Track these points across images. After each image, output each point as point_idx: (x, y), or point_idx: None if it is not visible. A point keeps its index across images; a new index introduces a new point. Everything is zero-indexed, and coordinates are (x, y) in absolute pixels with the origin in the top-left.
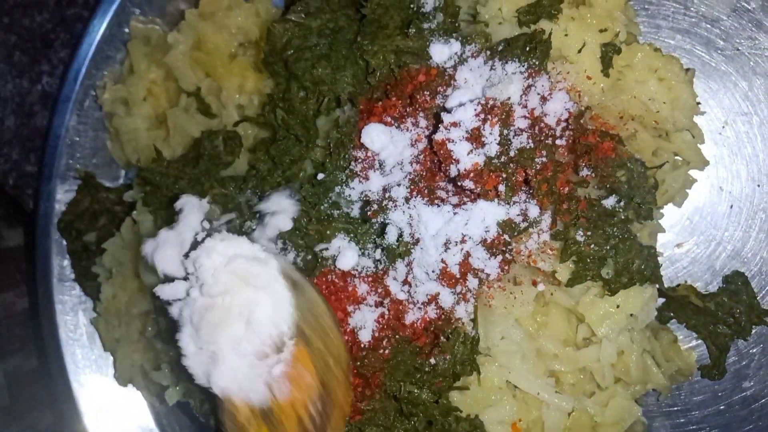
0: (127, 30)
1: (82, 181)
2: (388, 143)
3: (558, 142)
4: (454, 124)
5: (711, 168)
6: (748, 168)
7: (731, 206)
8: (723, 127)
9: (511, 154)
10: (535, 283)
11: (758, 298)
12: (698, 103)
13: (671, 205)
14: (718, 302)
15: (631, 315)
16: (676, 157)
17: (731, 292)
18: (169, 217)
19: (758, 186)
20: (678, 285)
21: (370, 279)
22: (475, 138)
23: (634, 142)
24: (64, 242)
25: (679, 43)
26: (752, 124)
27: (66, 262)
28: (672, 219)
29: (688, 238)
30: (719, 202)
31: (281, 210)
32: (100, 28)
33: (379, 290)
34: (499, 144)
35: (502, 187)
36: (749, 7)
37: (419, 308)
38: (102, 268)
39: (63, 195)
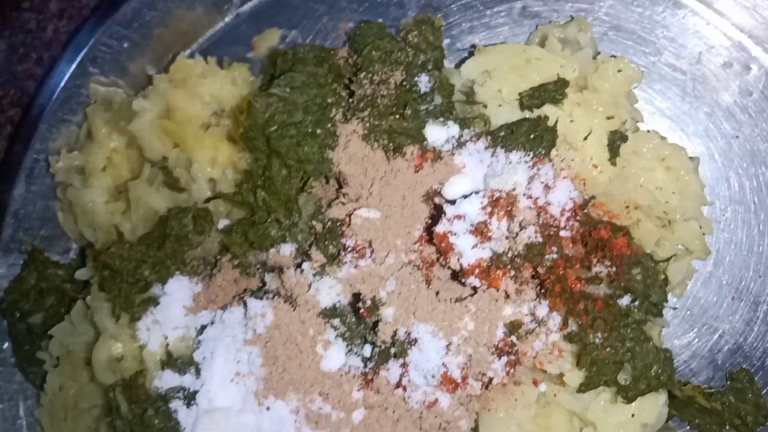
0: (85, 92)
1: (27, 255)
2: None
3: (562, 233)
4: (458, 217)
5: (711, 258)
6: (750, 259)
7: (732, 297)
8: (723, 215)
9: (519, 248)
10: (536, 383)
11: (763, 393)
12: None
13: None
14: (724, 402)
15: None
16: (677, 247)
17: (737, 390)
18: (129, 305)
19: (759, 277)
20: (686, 384)
21: (361, 382)
22: (481, 232)
23: (636, 230)
24: (5, 323)
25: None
26: (755, 213)
27: (6, 345)
28: (671, 311)
29: (688, 330)
30: (720, 293)
31: None
32: (56, 89)
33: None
34: (506, 239)
35: (509, 286)
36: (751, 97)
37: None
38: (48, 354)
39: (6, 270)
